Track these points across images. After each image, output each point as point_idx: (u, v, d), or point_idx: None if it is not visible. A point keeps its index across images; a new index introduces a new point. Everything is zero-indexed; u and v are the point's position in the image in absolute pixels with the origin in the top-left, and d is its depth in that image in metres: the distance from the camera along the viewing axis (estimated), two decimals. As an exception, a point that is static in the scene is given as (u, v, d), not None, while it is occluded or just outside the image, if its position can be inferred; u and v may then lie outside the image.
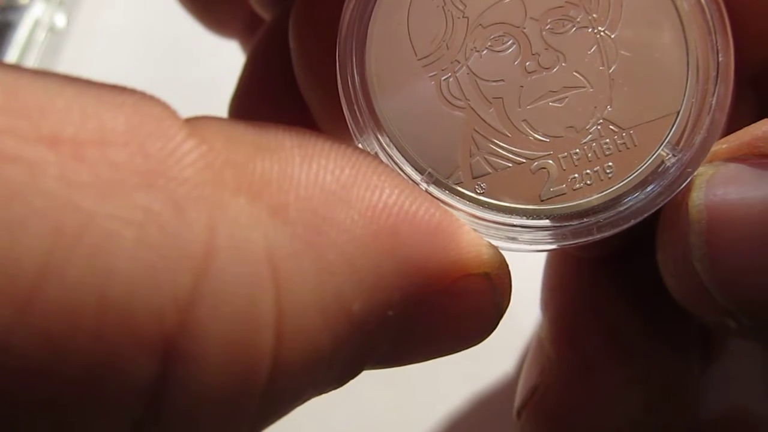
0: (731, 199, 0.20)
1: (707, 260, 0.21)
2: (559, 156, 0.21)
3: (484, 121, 0.21)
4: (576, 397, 0.27)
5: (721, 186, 0.21)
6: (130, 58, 0.54)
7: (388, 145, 0.21)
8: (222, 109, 0.32)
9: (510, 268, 0.20)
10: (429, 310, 0.19)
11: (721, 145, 0.21)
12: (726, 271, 0.20)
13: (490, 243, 0.20)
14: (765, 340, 0.28)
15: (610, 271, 0.28)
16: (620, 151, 0.21)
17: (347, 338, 0.17)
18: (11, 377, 0.14)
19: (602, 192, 0.21)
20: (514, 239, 0.21)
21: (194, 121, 0.17)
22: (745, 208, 0.20)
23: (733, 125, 0.22)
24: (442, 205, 0.19)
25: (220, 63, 0.41)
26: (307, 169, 0.17)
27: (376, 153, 0.21)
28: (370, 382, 0.19)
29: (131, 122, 0.15)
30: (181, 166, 0.15)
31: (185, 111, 0.17)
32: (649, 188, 0.21)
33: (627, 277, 0.27)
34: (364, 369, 0.19)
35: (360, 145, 0.21)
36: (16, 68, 0.15)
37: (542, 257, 0.30)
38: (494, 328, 0.20)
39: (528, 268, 0.25)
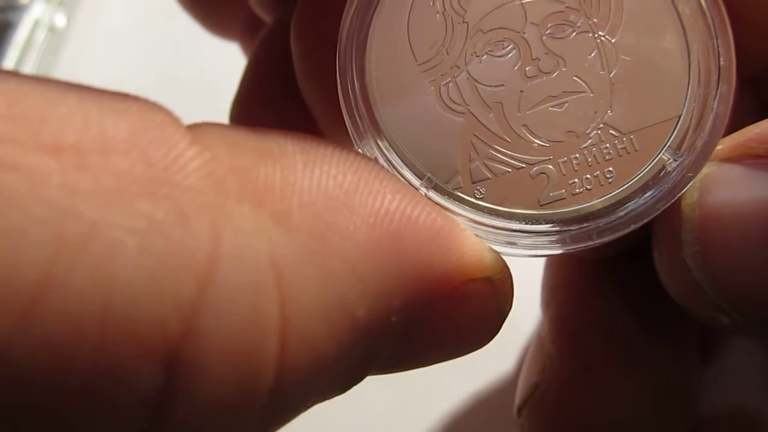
0: (724, 198, 0.20)
1: (699, 257, 0.21)
2: (559, 161, 0.21)
3: (484, 126, 0.21)
4: (576, 396, 0.27)
5: (714, 185, 0.21)
6: (130, 59, 0.54)
7: (387, 150, 0.21)
8: (222, 111, 0.32)
9: (510, 270, 0.20)
10: (432, 316, 0.19)
11: (718, 147, 0.21)
12: (717, 268, 0.21)
13: (491, 248, 0.20)
14: (757, 336, 0.29)
15: (611, 271, 0.28)
16: (620, 155, 0.21)
17: (351, 345, 0.17)
18: (12, 388, 0.13)
19: (602, 197, 0.21)
20: (513, 244, 0.21)
21: (197, 128, 0.17)
22: (737, 207, 0.20)
23: (734, 126, 0.22)
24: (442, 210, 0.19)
25: (220, 64, 0.41)
26: (309, 175, 0.17)
27: (375, 158, 0.21)
28: (370, 381, 0.19)
29: (134, 129, 0.15)
30: (184, 173, 0.15)
31: (185, 113, 0.17)
32: (649, 193, 0.21)
33: (627, 277, 0.27)
34: (368, 375, 0.19)
35: (359, 150, 0.21)
36: (17, 75, 0.15)
37: (542, 258, 0.30)
38: (497, 332, 0.21)
39: (528, 271, 0.25)
